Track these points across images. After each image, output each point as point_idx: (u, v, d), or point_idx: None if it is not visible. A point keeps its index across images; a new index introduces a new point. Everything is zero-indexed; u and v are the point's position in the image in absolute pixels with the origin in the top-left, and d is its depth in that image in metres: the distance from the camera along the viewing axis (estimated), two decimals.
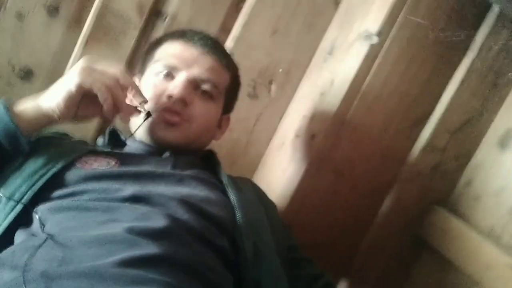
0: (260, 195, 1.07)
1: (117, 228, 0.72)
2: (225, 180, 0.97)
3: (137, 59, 1.23)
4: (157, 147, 1.00)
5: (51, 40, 1.22)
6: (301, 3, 1.31)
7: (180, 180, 0.89)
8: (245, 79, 1.26)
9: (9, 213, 0.79)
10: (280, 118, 1.37)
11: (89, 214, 0.77)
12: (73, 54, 1.22)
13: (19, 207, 0.79)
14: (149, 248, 0.69)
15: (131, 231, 0.71)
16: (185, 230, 0.77)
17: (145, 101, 0.91)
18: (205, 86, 1.01)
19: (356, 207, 1.27)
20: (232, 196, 0.92)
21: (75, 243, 0.69)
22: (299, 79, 1.34)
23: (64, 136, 1.04)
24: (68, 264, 0.65)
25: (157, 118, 0.96)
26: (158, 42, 1.07)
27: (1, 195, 0.81)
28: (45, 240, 0.70)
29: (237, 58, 1.16)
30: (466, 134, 1.26)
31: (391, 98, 1.21)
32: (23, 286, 0.60)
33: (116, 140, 1.03)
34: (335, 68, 1.24)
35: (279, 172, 1.27)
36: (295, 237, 1.10)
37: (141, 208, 0.78)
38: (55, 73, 1.21)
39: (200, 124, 1.01)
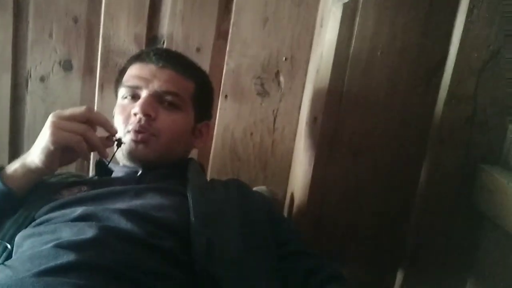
0: (245, 193, 1.04)
1: (53, 243, 0.77)
2: (189, 183, 0.97)
3: None
4: (136, 167, 1.04)
5: (71, 92, 1.36)
6: None
7: (137, 194, 0.93)
8: (249, 78, 1.23)
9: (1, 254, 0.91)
10: (298, 108, 1.29)
11: (40, 238, 0.84)
12: (95, 100, 1.34)
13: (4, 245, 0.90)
14: (69, 257, 0.73)
15: (59, 245, 0.76)
16: (116, 237, 0.80)
17: (114, 133, 0.97)
18: (168, 98, 1.04)
19: (389, 185, 1.12)
20: (190, 197, 0.92)
21: (18, 263, 0.77)
22: (306, 63, 1.26)
23: (63, 173, 1.14)
24: (8, 280, 0.73)
25: (128, 139, 1.01)
26: (123, 69, 1.13)
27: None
28: None
29: (236, 59, 1.15)
30: (495, 72, 1.03)
31: (388, 55, 1.06)
32: None
33: (104, 169, 1.10)
34: (322, 40, 1.13)
35: (298, 165, 1.20)
36: (294, 229, 1.04)
37: (80, 225, 0.83)
38: None
39: (168, 135, 1.03)
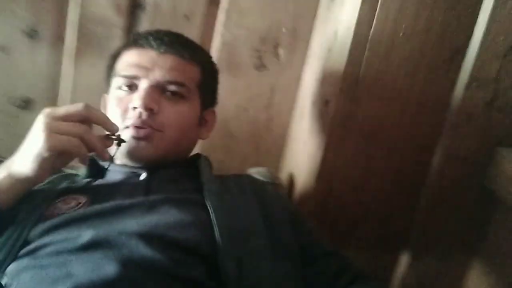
0: (261, 193, 0.95)
1: (67, 285, 0.67)
2: (206, 191, 0.87)
3: None
4: (138, 168, 0.93)
5: (39, 63, 1.18)
6: None
7: (150, 208, 0.82)
8: (245, 51, 1.11)
9: None
10: (298, 83, 1.20)
11: (45, 272, 0.72)
12: (66, 74, 1.18)
13: None
14: None
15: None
16: (142, 270, 0.70)
17: (115, 131, 0.83)
18: (172, 88, 0.92)
19: (400, 170, 1.08)
20: (211, 209, 0.82)
21: None
22: (308, 35, 1.15)
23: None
24: None
25: (128, 136, 0.89)
26: (116, 55, 0.99)
27: None
28: None
29: (232, 30, 1.02)
30: None
31: (411, 37, 0.98)
32: None
33: (97, 169, 0.98)
34: (337, 17, 1.03)
35: (301, 146, 1.13)
36: (315, 228, 0.97)
37: (95, 256, 0.72)
38: (53, 95, 1.19)
39: (174, 130, 0.92)
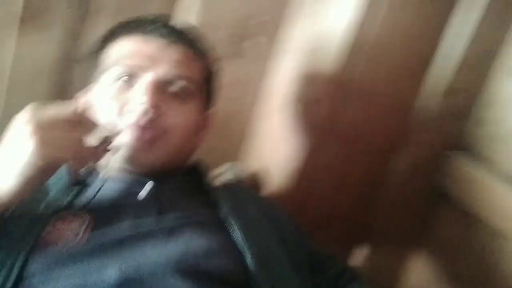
0: (265, 207, 0.88)
1: None
2: (223, 208, 0.78)
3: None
4: (139, 175, 0.79)
5: None
6: None
7: (170, 234, 0.71)
8: (218, 38, 1.01)
9: None
10: (262, 77, 1.14)
11: None
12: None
13: None
14: None
15: None
16: None
17: (111, 138, 0.69)
18: (179, 83, 0.80)
19: (369, 171, 1.12)
20: (240, 233, 0.74)
21: None
22: (276, 31, 1.10)
23: None
24: None
25: (128, 137, 0.75)
26: (111, 38, 0.83)
27: None
28: None
29: (209, 14, 0.91)
30: (483, 68, 1.09)
31: (402, 43, 1.00)
32: None
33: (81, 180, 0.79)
34: (330, 13, 1.00)
35: (278, 145, 1.08)
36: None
37: None
38: None
39: (179, 133, 0.81)
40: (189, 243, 0.70)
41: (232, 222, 0.76)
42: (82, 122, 0.64)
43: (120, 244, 0.67)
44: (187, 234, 0.71)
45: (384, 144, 1.10)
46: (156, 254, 0.66)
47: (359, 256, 1.21)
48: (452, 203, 1.13)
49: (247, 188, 0.98)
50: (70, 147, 0.62)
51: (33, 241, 0.65)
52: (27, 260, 0.63)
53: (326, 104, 1.00)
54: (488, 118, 1.11)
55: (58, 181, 0.76)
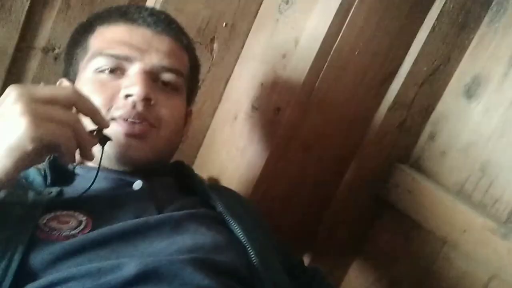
0: (242, 203, 0.89)
1: None
2: (219, 206, 0.77)
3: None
4: (126, 173, 0.76)
5: None
6: None
7: (176, 227, 0.69)
8: None
9: None
10: (225, 83, 1.13)
11: None
12: None
13: None
14: None
15: None
16: None
17: (106, 126, 0.65)
18: (167, 76, 0.78)
19: (323, 179, 1.14)
20: (239, 229, 0.74)
21: None
22: (247, 34, 1.10)
23: None
24: None
25: (117, 132, 0.71)
26: (89, 28, 0.79)
27: None
28: None
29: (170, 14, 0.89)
30: (432, 85, 1.15)
31: (363, 56, 1.03)
32: None
33: (61, 172, 0.74)
34: (298, 24, 1.01)
35: (236, 153, 1.07)
36: None
37: None
38: None
39: (170, 127, 0.78)
40: (195, 237, 0.68)
41: (231, 219, 0.75)
42: (79, 106, 0.60)
43: (128, 235, 0.64)
44: (192, 227, 0.70)
45: (338, 153, 1.13)
46: (166, 248, 0.64)
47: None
48: (397, 213, 1.18)
49: (224, 186, 0.96)
50: (65, 131, 0.57)
51: (30, 234, 0.60)
52: (28, 253, 0.58)
53: (287, 113, 1.00)
54: (439, 133, 1.17)
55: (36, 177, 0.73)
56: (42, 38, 0.95)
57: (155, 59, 0.76)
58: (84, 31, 0.80)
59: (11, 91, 0.56)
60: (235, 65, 1.12)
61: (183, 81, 0.81)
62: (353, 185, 1.17)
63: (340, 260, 1.28)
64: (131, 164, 0.75)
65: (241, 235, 0.73)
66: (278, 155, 1.04)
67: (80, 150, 0.60)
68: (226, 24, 1.06)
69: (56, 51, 0.96)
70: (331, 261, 1.26)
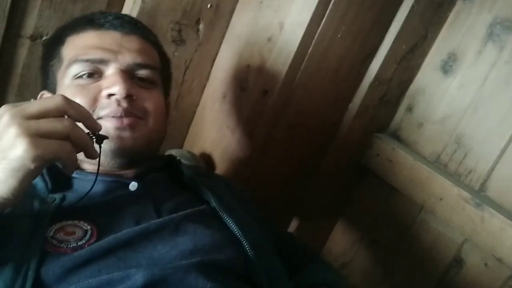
0: (231, 188, 0.93)
1: None
2: (212, 202, 0.81)
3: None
4: (119, 175, 0.79)
5: None
6: None
7: (176, 230, 0.72)
8: (166, 23, 1.01)
9: None
10: (212, 62, 1.15)
11: None
12: None
13: None
14: None
15: None
16: None
17: (99, 129, 0.66)
18: (142, 72, 0.80)
19: (308, 152, 1.19)
20: (234, 225, 0.77)
21: None
22: (231, 14, 1.11)
23: None
24: None
25: (107, 128, 0.73)
26: (58, 41, 0.81)
27: None
28: None
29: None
30: (410, 61, 1.19)
31: (346, 38, 1.06)
32: None
33: (59, 178, 0.76)
34: (282, 7, 1.03)
35: (227, 131, 1.11)
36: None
37: None
38: None
39: (155, 118, 0.80)
40: (195, 238, 0.71)
41: (224, 215, 0.78)
42: (70, 112, 0.60)
43: (133, 242, 0.67)
44: (190, 228, 0.73)
45: (322, 129, 1.18)
46: (169, 252, 0.68)
47: (291, 228, 1.31)
48: (377, 179, 1.26)
49: (214, 174, 1.00)
50: (64, 145, 0.57)
51: (40, 248, 0.62)
52: (39, 268, 0.60)
53: (274, 95, 1.04)
54: (416, 106, 1.23)
55: (38, 182, 0.74)
56: (29, 26, 0.95)
57: (128, 58, 0.78)
58: (54, 44, 0.81)
59: (3, 114, 0.56)
60: (221, 43, 1.14)
61: (157, 74, 0.83)
62: (336, 155, 1.23)
63: (325, 221, 1.36)
64: (127, 155, 0.77)
65: (236, 230, 0.77)
66: (266, 134, 1.08)
67: (84, 152, 0.62)
68: (211, 6, 1.07)
69: (44, 38, 0.96)
70: (317, 222, 1.34)
